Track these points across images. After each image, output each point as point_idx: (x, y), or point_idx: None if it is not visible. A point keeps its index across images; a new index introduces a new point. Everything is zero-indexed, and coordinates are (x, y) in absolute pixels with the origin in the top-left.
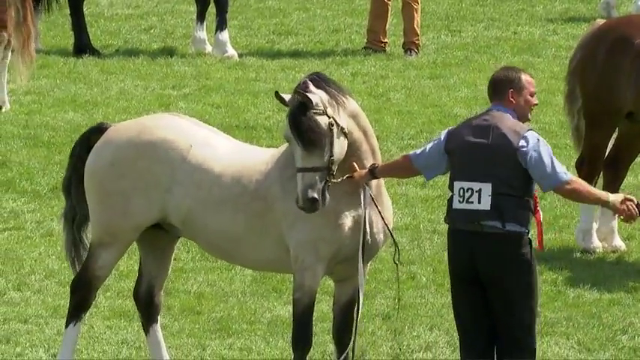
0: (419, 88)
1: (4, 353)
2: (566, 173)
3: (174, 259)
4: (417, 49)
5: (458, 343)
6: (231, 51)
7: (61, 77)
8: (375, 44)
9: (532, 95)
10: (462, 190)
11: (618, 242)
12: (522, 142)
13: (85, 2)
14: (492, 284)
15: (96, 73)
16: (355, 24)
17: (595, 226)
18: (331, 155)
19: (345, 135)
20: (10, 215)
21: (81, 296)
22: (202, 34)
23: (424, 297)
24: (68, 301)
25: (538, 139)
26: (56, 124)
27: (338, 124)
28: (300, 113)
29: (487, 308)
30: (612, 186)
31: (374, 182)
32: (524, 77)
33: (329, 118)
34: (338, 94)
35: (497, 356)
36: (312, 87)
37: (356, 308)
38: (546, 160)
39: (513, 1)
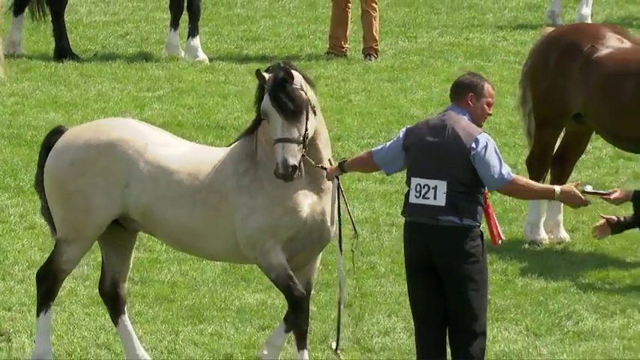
0: (378, 90)
1: None
2: (510, 174)
3: (149, 251)
4: (376, 54)
5: (414, 329)
6: (202, 56)
7: (43, 80)
8: (336, 49)
9: (489, 105)
10: (418, 186)
11: (563, 234)
12: (473, 144)
13: (65, 10)
14: (447, 273)
15: (75, 76)
16: (318, 31)
17: (542, 219)
18: (306, 129)
19: (315, 114)
20: None
21: (47, 287)
22: (176, 40)
23: (383, 286)
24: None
25: (487, 142)
26: (38, 124)
27: (312, 103)
28: (283, 86)
29: (440, 296)
30: (559, 181)
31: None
32: (487, 86)
33: (306, 95)
34: (308, 80)
35: (450, 340)
36: (288, 67)
37: (338, 295)
38: (493, 162)
39: (465, 9)
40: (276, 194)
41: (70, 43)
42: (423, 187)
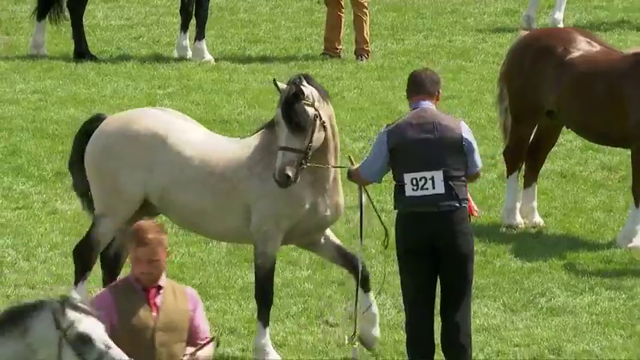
0: (369, 88)
1: None
2: (480, 165)
3: None
4: (367, 55)
5: (403, 306)
6: (208, 56)
7: (64, 78)
8: (331, 51)
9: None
10: (414, 180)
11: (538, 219)
12: (463, 133)
13: (84, 14)
14: (450, 253)
15: (93, 75)
16: (314, 34)
17: (518, 205)
18: (310, 142)
19: (325, 129)
20: (19, 196)
21: (85, 259)
22: (185, 41)
23: (373, 266)
24: (73, 266)
25: (468, 129)
26: (59, 119)
27: (321, 118)
28: (293, 100)
29: (434, 282)
30: (533, 171)
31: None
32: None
33: (315, 110)
34: (326, 95)
35: (446, 312)
36: (305, 82)
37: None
38: (476, 148)
39: (448, 14)
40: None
41: (88, 45)
42: (420, 180)
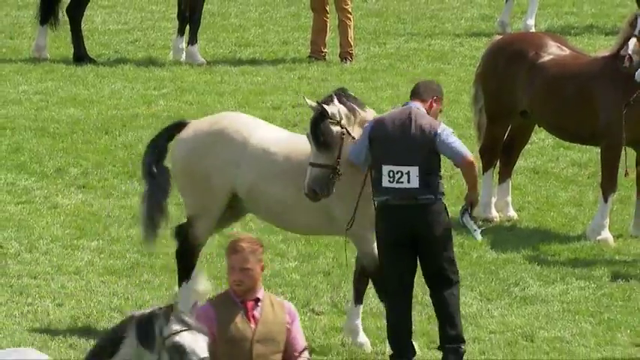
0: (352, 89)
1: (18, 303)
2: (469, 153)
3: None
4: (351, 58)
5: (387, 305)
6: (200, 59)
7: (64, 80)
8: (317, 54)
9: (440, 111)
10: (391, 172)
11: (512, 212)
12: (436, 133)
13: (82, 19)
14: (429, 242)
15: (92, 76)
16: (301, 37)
17: (493, 200)
18: (339, 157)
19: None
20: (22, 191)
21: (187, 261)
22: (181, 45)
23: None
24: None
25: (446, 129)
26: (60, 118)
27: (349, 134)
28: (318, 120)
29: (413, 272)
30: (507, 168)
31: None
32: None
33: (342, 128)
34: (356, 109)
35: (436, 295)
36: (335, 100)
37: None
38: (453, 142)
39: (427, 19)
40: (352, 181)
41: (87, 49)
42: (396, 173)
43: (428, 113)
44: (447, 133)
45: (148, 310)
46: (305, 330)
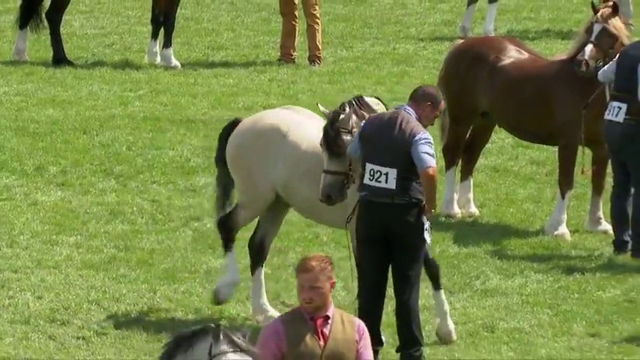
0: (321, 90)
1: (0, 296)
2: (433, 163)
3: (132, 223)
4: (319, 61)
5: (352, 288)
6: (175, 62)
7: (43, 82)
8: (286, 57)
9: (435, 118)
10: (372, 171)
11: (473, 209)
12: (415, 138)
13: (61, 24)
14: (400, 241)
15: (70, 78)
16: (271, 41)
17: (456, 197)
18: (350, 164)
19: None
20: (3, 189)
21: (226, 235)
22: (155, 48)
23: (325, 252)
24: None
25: (425, 135)
26: (39, 119)
27: None
28: (330, 129)
29: (387, 266)
30: (469, 166)
31: None
32: (442, 104)
33: (352, 136)
34: (367, 117)
35: (397, 291)
36: (347, 108)
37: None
38: (424, 149)
39: (392, 24)
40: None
41: (66, 52)
42: (376, 173)
43: (419, 118)
44: (424, 140)
45: (197, 328)
46: None
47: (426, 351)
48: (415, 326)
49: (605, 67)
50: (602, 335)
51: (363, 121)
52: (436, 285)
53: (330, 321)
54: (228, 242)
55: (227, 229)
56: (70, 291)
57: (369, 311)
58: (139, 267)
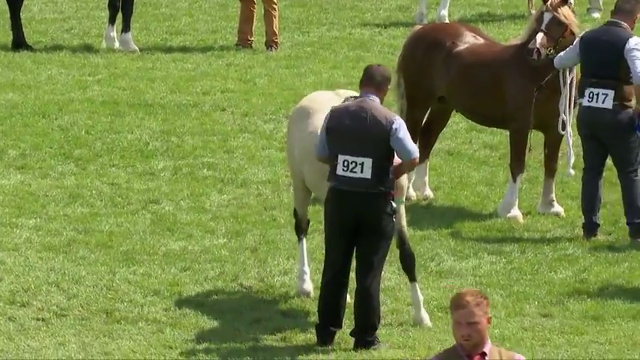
0: (278, 75)
1: None
2: (416, 151)
3: (91, 206)
4: (276, 46)
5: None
6: (133, 47)
7: (2, 66)
8: (244, 42)
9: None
10: (345, 162)
11: (428, 192)
12: (392, 127)
13: (21, 8)
14: (370, 230)
15: (29, 63)
16: (229, 26)
17: (412, 179)
18: None
19: None
20: None
21: (296, 222)
22: (113, 33)
23: (283, 235)
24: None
25: (401, 124)
26: None
27: None
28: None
29: (352, 253)
30: (426, 150)
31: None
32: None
33: None
34: None
35: (360, 278)
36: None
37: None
38: (407, 139)
39: (348, 9)
40: None
41: (25, 36)
42: (351, 163)
43: (380, 101)
44: (401, 128)
45: None
46: (233, 303)
47: (381, 332)
48: (373, 312)
49: (562, 53)
50: (554, 315)
51: (327, 116)
52: (411, 277)
53: (487, 358)
54: (298, 228)
55: (295, 215)
56: (29, 273)
57: (333, 296)
58: (98, 249)
